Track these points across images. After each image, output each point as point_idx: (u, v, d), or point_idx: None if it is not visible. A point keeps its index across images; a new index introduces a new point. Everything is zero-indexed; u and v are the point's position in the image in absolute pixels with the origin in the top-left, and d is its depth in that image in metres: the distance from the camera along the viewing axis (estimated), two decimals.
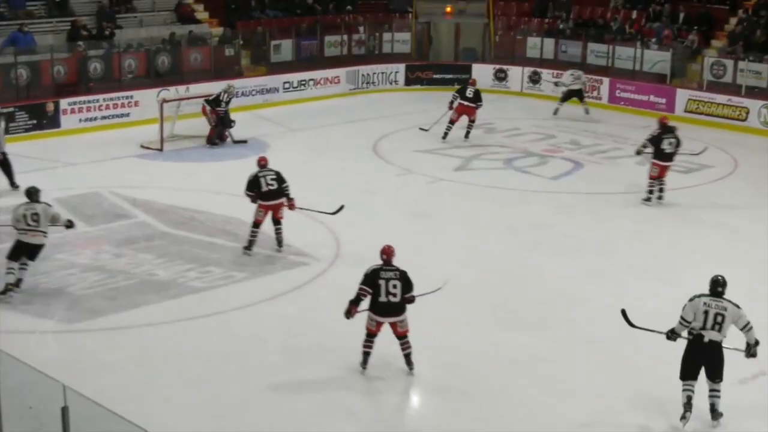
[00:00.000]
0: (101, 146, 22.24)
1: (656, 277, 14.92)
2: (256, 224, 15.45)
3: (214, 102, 22.35)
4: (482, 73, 29.33)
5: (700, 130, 24.53)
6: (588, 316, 13.53)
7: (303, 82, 27.93)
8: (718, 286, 10.77)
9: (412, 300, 11.83)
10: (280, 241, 15.64)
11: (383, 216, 17.53)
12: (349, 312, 11.80)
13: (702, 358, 10.76)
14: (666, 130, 18.36)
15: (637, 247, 16.20)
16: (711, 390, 10.82)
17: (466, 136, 23.08)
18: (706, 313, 10.68)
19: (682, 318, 10.88)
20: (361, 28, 30.44)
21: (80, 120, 23.59)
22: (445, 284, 12.85)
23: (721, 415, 10.71)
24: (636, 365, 12.12)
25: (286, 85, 27.48)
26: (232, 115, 22.76)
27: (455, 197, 19.00)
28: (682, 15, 28.31)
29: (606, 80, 27.65)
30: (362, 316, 11.80)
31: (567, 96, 25.92)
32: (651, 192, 18.35)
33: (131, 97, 24.39)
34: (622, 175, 20.71)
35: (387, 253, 11.92)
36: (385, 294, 11.66)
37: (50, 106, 23.23)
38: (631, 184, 19.67)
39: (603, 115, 26.31)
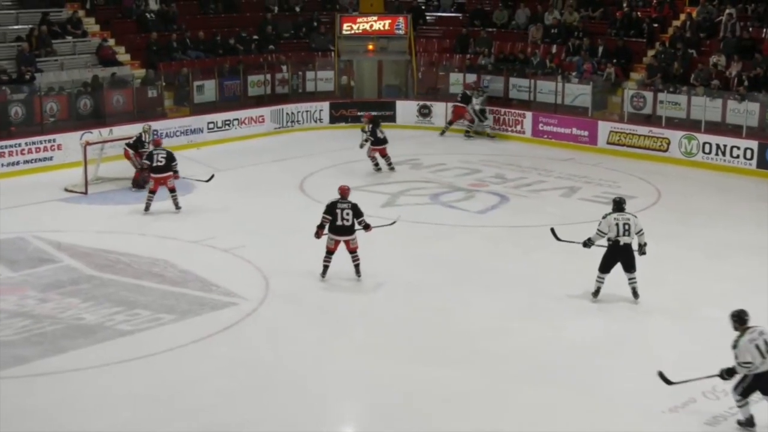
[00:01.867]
0: (24, 191, 21.99)
1: (583, 309, 15.07)
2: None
3: (136, 144, 22.25)
4: (406, 109, 29.63)
5: (623, 161, 25.04)
6: (516, 349, 13.60)
7: (227, 122, 27.94)
8: (622, 204, 15.00)
9: (368, 227, 16.24)
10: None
11: (311, 253, 17.50)
12: (317, 234, 15.93)
13: (619, 256, 14.96)
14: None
15: (565, 279, 16.26)
16: (630, 279, 15.06)
17: (391, 168, 23.83)
18: (617, 225, 14.87)
19: (599, 230, 15.01)
20: (284, 67, 30.54)
21: (2, 165, 23.33)
22: (399, 218, 17.36)
23: (638, 296, 14.88)
24: (566, 399, 12.20)
25: (211, 126, 27.47)
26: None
27: (383, 233, 19.07)
28: (600, 48, 28.81)
29: (529, 114, 28.09)
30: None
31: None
32: None
33: (54, 140, 24.19)
34: (547, 207, 21.01)
35: (343, 190, 16.12)
36: (340, 219, 15.84)
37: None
38: (554, 215, 19.96)
39: (526, 149, 26.68)
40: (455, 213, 20.50)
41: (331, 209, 15.89)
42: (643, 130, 25.94)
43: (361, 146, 23.85)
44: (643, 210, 20.65)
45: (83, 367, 12.92)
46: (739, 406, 11.20)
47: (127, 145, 22.32)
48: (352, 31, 31.10)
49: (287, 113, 29.33)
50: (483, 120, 28.07)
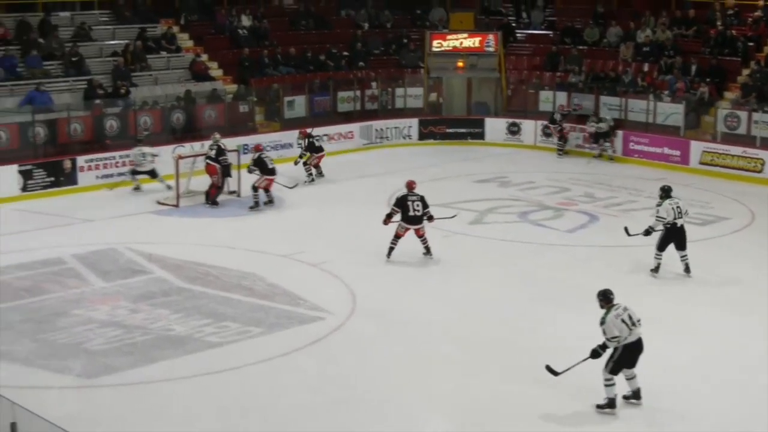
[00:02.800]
0: (118, 203, 22.43)
1: (672, 331, 14.72)
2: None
3: (218, 155, 22.49)
4: (495, 126, 29.56)
5: (715, 182, 24.64)
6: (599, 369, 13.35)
7: (317, 138, 28.12)
8: (670, 190, 16.74)
9: (431, 218, 18.00)
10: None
11: (399, 269, 17.59)
12: (385, 222, 18.01)
13: (674, 237, 17.05)
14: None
15: (652, 300, 15.89)
16: (682, 256, 17.19)
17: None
18: (673, 209, 16.87)
19: (658, 217, 17.01)
20: (374, 84, 30.73)
21: (97, 177, 23.82)
22: (457, 215, 19.28)
23: (690, 271, 16.98)
24: (663, 422, 12.00)
25: (300, 141, 27.70)
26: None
27: (470, 251, 19.06)
28: (694, 67, 28.43)
29: (620, 133, 27.80)
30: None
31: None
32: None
33: (152, 153, 24.53)
34: (638, 227, 20.66)
35: (410, 184, 18.15)
36: (412, 210, 17.78)
37: (67, 164, 23.49)
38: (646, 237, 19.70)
39: (617, 168, 26.42)
40: (544, 231, 20.35)
41: (402, 202, 17.89)
42: (736, 150, 25.51)
43: (296, 163, 24.47)
44: (737, 232, 20.35)
45: (172, 378, 13.07)
46: (607, 386, 12.02)
47: (209, 158, 22.56)
48: (442, 48, 31.13)
49: (376, 129, 29.46)
50: (605, 143, 27.48)
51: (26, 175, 22.73)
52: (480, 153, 24.38)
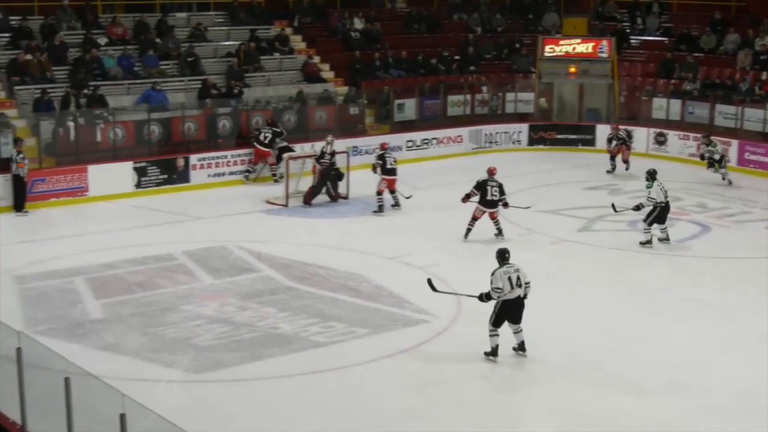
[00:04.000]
0: (228, 201, 22.78)
1: None
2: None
3: (320, 156, 22.74)
4: (607, 134, 29.13)
5: None
6: (711, 384, 13.14)
7: (426, 141, 28.19)
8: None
9: (506, 204, 19.55)
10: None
11: None
12: (463, 200, 19.66)
13: (665, 213, 19.19)
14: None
15: (765, 314, 15.62)
16: (662, 229, 19.33)
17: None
18: (663, 190, 18.98)
19: (650, 197, 18.96)
20: (485, 88, 30.61)
21: (209, 175, 24.23)
22: (533, 204, 20.52)
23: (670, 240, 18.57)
24: None
25: (409, 144, 27.77)
26: (358, 173, 23.23)
27: (578, 258, 18.87)
28: None
29: (735, 142, 27.15)
30: None
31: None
32: None
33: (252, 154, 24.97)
34: (751, 239, 20.28)
35: (491, 171, 19.63)
36: (490, 195, 19.26)
37: (180, 162, 23.94)
38: (760, 248, 19.36)
39: (731, 178, 25.84)
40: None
41: (482, 185, 19.44)
42: None
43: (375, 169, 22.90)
44: None
45: (278, 376, 13.20)
46: (490, 336, 13.61)
47: (316, 159, 22.80)
48: (554, 53, 30.88)
49: (486, 134, 29.35)
50: (721, 168, 26.47)
51: (141, 172, 23.23)
52: (590, 160, 24.10)
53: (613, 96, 30.77)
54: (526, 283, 13.62)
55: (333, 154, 22.64)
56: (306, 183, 23.07)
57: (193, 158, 24.17)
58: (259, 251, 18.59)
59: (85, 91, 24.49)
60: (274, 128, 24.78)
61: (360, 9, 32.04)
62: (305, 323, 14.97)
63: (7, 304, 15.18)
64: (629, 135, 26.32)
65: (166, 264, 17.94)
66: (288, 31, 30.27)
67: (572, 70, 30.96)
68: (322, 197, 22.68)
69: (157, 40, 27.55)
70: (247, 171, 24.81)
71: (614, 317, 15.59)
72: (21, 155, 21.23)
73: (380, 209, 21.53)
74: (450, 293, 14.64)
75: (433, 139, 28.23)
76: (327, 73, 29.70)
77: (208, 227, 20.59)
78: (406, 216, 21.57)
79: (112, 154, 23.56)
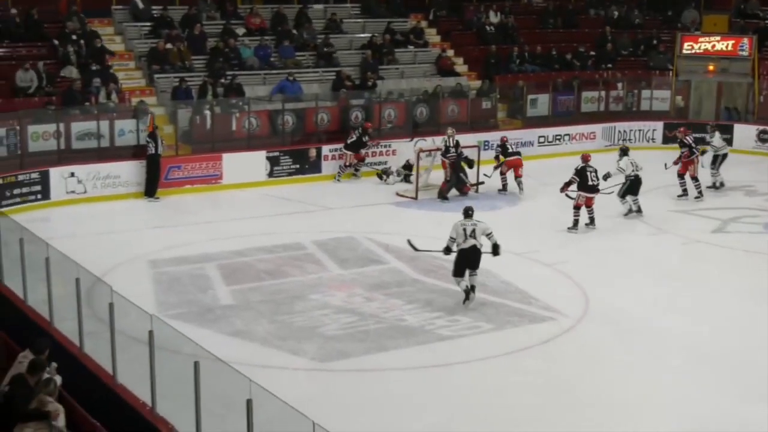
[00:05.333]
0: (358, 193, 22.96)
1: None
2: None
3: (446, 151, 22.70)
4: (744, 133, 28.42)
5: None
6: None
7: (558, 137, 27.90)
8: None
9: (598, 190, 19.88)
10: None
11: (635, 276, 17.18)
12: (562, 189, 19.92)
13: (638, 187, 20.67)
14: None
15: None
16: (634, 200, 20.78)
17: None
18: (633, 163, 20.62)
19: (620, 168, 20.66)
20: (620, 85, 30.16)
21: (340, 166, 24.41)
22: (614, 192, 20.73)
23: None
24: None
25: (541, 139, 27.54)
26: (488, 169, 23.20)
27: (711, 260, 18.44)
28: None
29: None
30: None
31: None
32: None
33: (389, 145, 25.05)
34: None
35: (585, 157, 20.12)
36: (591, 180, 19.61)
37: (312, 152, 24.22)
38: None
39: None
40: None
41: (581, 172, 19.76)
42: None
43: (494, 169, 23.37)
44: None
45: (402, 367, 13.25)
46: (457, 284, 15.37)
47: (442, 154, 22.78)
48: (693, 51, 30.21)
49: (619, 131, 28.89)
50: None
51: (273, 161, 23.59)
52: (727, 160, 23.46)
53: (752, 95, 29.96)
54: (488, 234, 15.43)
55: (457, 146, 22.59)
56: (436, 177, 23.08)
57: (325, 149, 24.42)
58: (387, 243, 18.66)
59: (222, 80, 24.96)
60: (364, 132, 24.52)
61: (495, 3, 31.89)
62: (431, 316, 14.99)
63: (140, 288, 15.53)
64: (695, 142, 24.75)
65: (296, 253, 18.17)
66: (423, 24, 30.31)
67: (711, 68, 30.24)
68: (452, 191, 22.63)
69: (294, 31, 27.90)
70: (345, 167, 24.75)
71: (746, 322, 15.09)
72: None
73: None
74: (428, 251, 16.77)
75: (566, 135, 27.90)
76: (460, 66, 29.68)
77: (337, 218, 20.78)
78: (536, 212, 21.39)
79: (246, 143, 23.99)
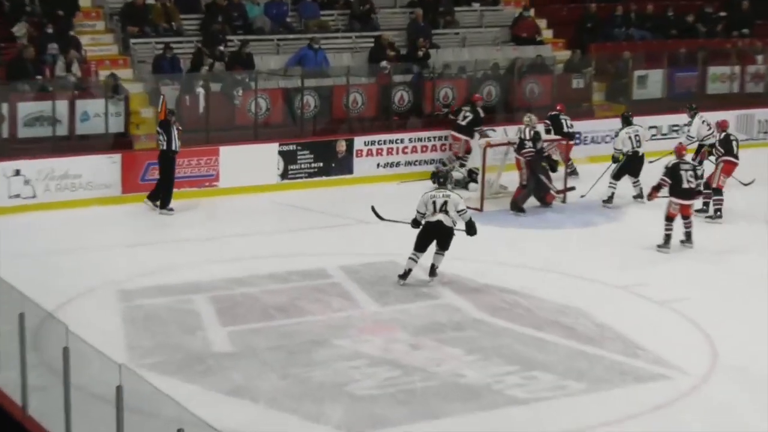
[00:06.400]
0: (402, 200, 22.78)
1: None
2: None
3: (518, 147, 22.60)
4: None
5: None
6: None
7: (675, 128, 27.65)
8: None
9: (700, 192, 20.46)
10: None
11: None
12: (650, 196, 20.41)
13: (634, 164, 22.71)
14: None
15: None
16: (634, 182, 22.89)
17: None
18: (630, 138, 22.60)
19: (616, 149, 22.91)
20: (760, 58, 29.96)
21: (379, 165, 24.57)
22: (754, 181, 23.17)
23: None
24: None
25: (653, 131, 27.33)
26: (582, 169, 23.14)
27: None
28: None
29: None
30: None
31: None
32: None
33: (444, 138, 25.08)
34: None
35: (680, 150, 20.23)
36: (685, 182, 19.53)
37: (341, 146, 24.25)
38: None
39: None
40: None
41: (673, 171, 19.73)
42: None
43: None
44: None
45: None
46: (409, 258, 17.75)
47: (516, 150, 22.67)
48: None
49: (759, 121, 28.63)
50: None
51: (288, 157, 23.66)
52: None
53: None
54: (459, 211, 17.44)
55: (536, 139, 22.39)
56: (509, 180, 23.01)
57: (359, 141, 24.48)
58: (440, 270, 18.54)
59: (222, 48, 24.99)
60: (474, 108, 24.80)
61: None
62: (499, 371, 14.87)
63: (107, 328, 15.49)
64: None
65: (317, 282, 18.12)
66: None
67: None
68: (530, 200, 22.53)
69: None
70: (441, 164, 24.85)
71: None
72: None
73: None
74: (395, 221, 18.73)
75: (686, 125, 27.64)
76: (544, 31, 29.64)
77: (374, 235, 20.62)
78: (643, 231, 21.15)
79: (252, 132, 24.10)
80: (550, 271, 18.87)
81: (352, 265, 18.85)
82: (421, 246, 17.66)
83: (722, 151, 22.04)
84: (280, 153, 23.62)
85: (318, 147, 24.10)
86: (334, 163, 24.18)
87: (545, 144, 22.76)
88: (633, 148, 22.41)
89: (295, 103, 24.63)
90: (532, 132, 22.54)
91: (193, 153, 22.94)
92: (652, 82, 28.65)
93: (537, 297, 17.53)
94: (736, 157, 22.00)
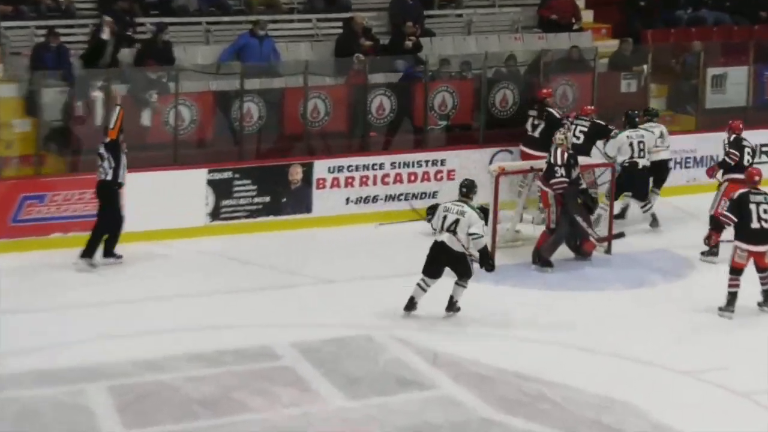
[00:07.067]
0: (383, 249, 22.90)
1: None
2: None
3: (546, 174, 22.56)
4: None
5: None
6: None
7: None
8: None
9: None
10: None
11: None
12: (709, 238, 20.76)
13: (636, 180, 23.87)
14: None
15: None
16: (643, 206, 24.44)
17: None
18: (635, 144, 24.07)
19: (607, 155, 24.29)
20: None
21: (349, 200, 24.74)
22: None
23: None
24: None
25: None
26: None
27: None
28: None
29: None
30: None
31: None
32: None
33: (441, 161, 25.20)
34: None
35: (751, 175, 20.04)
36: (756, 220, 19.38)
37: (296, 173, 24.31)
38: None
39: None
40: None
41: (739, 204, 19.73)
42: None
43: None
44: None
45: None
46: (417, 285, 19.51)
47: (543, 179, 22.73)
48: None
49: None
50: None
51: (221, 189, 23.78)
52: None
53: None
54: (471, 234, 18.93)
55: (572, 164, 22.36)
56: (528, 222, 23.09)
57: (321, 166, 24.58)
58: (435, 349, 18.58)
59: (129, 33, 25.01)
60: (548, 109, 25.09)
61: None
62: None
63: None
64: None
65: (261, 366, 18.14)
66: None
67: None
68: (561, 249, 22.59)
69: None
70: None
71: None
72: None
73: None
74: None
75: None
76: (583, 12, 29.72)
77: (339, 298, 20.68)
78: (714, 290, 21.17)
79: (170, 153, 24.07)
80: (588, 350, 18.94)
81: (309, 341, 18.86)
82: (430, 271, 19.23)
83: (731, 162, 22.51)
84: (210, 183, 23.66)
85: (263, 175, 24.15)
86: (285, 198, 24.22)
87: (584, 173, 22.80)
88: (633, 157, 23.39)
89: (232, 112, 24.60)
90: (565, 155, 22.48)
91: (86, 183, 22.88)
92: (733, 83, 28.73)
93: (570, 386, 17.57)
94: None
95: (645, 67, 28.17)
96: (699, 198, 24.54)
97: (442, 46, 27.54)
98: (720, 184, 22.66)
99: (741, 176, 21.80)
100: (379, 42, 26.91)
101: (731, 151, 22.84)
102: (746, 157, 22.85)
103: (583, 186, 22.75)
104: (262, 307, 20.31)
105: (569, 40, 28.46)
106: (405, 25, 26.97)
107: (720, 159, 23.42)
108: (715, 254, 22.33)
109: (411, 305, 19.19)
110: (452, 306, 19.32)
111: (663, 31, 29.22)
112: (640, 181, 23.82)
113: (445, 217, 18.78)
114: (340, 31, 26.79)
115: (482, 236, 18.95)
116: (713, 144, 26.96)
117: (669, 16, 29.64)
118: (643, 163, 23.70)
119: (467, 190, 18.98)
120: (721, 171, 23.10)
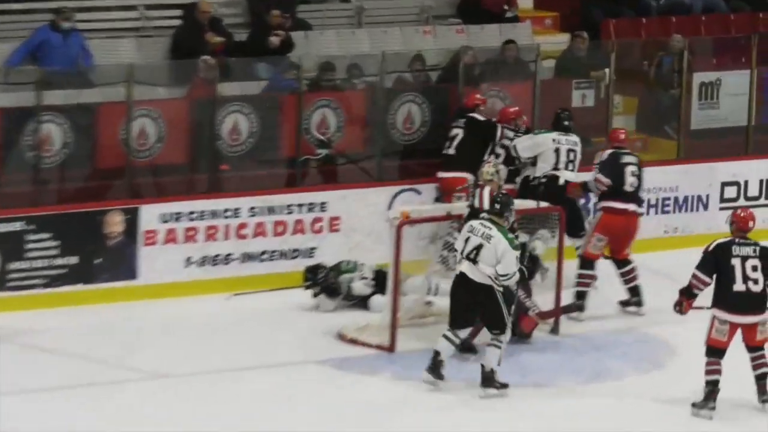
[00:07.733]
0: (236, 329, 22.86)
1: None
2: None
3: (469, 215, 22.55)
4: None
5: None
6: None
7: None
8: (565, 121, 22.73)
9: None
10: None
11: None
12: (680, 304, 19.94)
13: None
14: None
15: None
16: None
17: None
18: (467, 240, 21.09)
19: (517, 155, 25.49)
20: None
21: (190, 261, 24.76)
22: None
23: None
24: None
25: (729, 191, 27.61)
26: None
27: None
28: None
29: None
30: None
31: None
32: None
33: (320, 206, 25.24)
34: None
35: (743, 220, 19.71)
36: (741, 280, 19.21)
37: (115, 222, 24.22)
38: None
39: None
40: None
41: (716, 256, 19.53)
42: None
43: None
44: None
45: None
46: (443, 336, 20.11)
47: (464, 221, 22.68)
48: None
49: None
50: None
51: (8, 247, 23.87)
52: None
53: None
54: (501, 276, 19.29)
55: (504, 204, 22.37)
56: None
57: (150, 213, 24.58)
58: None
59: None
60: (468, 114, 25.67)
61: None
62: None
63: None
64: None
65: None
66: None
67: None
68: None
69: None
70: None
71: None
72: None
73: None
74: None
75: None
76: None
77: (178, 400, 20.61)
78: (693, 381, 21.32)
79: None
80: None
81: None
82: (457, 321, 19.69)
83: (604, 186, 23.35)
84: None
85: (68, 226, 24.12)
86: (100, 259, 24.13)
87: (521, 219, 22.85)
88: (557, 167, 24.04)
89: (23, 137, 24.54)
90: (498, 195, 22.39)
91: None
92: (726, 94, 28.92)
93: None
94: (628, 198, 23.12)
95: (606, 71, 28.35)
96: (681, 255, 24.68)
97: (322, 44, 27.68)
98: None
99: (619, 204, 23.47)
100: (233, 38, 26.93)
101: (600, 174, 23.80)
102: (629, 179, 23.67)
103: (520, 239, 22.78)
104: (67, 414, 20.17)
105: (500, 35, 28.63)
106: (269, 14, 27.03)
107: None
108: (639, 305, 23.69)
109: (435, 368, 19.27)
110: (490, 380, 19.24)
111: (632, 22, 29.51)
112: (566, 203, 23.74)
113: (467, 239, 19.13)
114: (179, 22, 26.81)
115: (513, 276, 19.07)
116: (701, 178, 27.24)
117: (640, 1, 29.88)
118: (568, 177, 24.12)
119: (502, 207, 19.03)
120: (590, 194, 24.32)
